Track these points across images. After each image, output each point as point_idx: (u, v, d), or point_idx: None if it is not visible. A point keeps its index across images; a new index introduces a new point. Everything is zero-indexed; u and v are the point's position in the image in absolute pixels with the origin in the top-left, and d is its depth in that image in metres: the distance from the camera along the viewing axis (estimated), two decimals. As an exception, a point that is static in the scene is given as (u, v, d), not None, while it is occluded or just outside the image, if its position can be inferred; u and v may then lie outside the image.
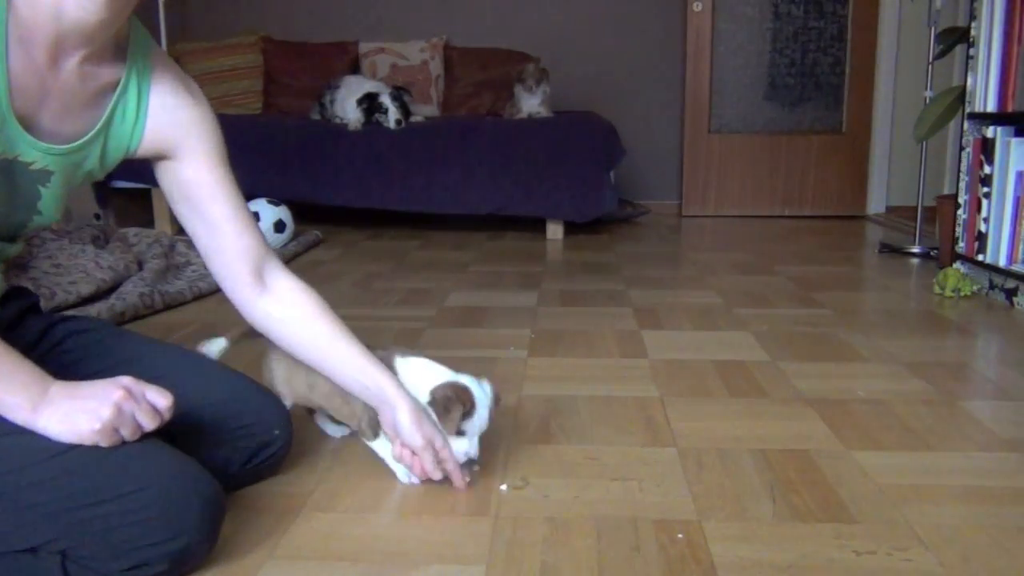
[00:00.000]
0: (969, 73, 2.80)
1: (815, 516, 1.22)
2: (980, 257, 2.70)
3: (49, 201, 1.09)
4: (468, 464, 1.31)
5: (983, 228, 2.69)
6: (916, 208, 3.60)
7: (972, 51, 2.79)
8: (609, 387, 1.80)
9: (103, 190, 4.07)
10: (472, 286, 2.87)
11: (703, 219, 4.70)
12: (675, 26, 4.76)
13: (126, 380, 1.00)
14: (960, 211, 2.83)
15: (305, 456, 1.43)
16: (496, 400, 1.32)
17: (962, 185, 2.83)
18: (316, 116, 4.34)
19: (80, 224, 2.90)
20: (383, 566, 1.09)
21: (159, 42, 4.41)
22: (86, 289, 2.46)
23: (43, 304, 2.25)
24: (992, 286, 2.67)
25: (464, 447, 1.28)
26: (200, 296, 2.68)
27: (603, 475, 1.36)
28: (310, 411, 1.51)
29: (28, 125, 1.01)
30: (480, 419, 1.28)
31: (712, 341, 2.17)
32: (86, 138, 1.09)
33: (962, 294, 2.66)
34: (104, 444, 0.97)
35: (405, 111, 4.04)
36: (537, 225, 4.05)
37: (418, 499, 1.27)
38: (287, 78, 4.64)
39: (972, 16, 2.79)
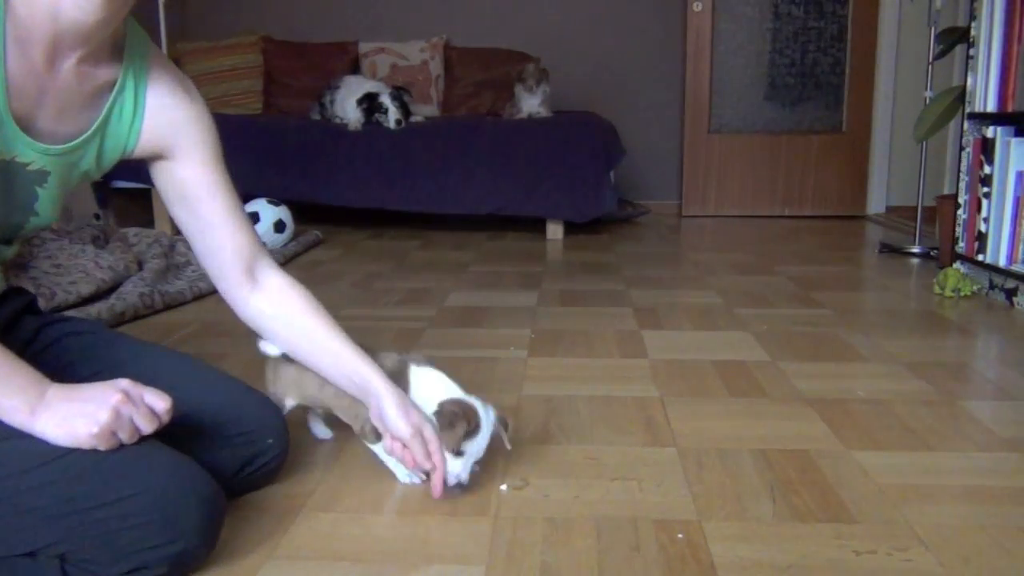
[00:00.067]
0: (969, 73, 2.80)
1: (815, 516, 1.22)
2: (980, 257, 2.70)
3: (46, 202, 1.09)
4: (456, 487, 1.27)
5: (983, 228, 2.69)
6: (916, 208, 3.60)
7: (972, 51, 2.79)
8: (609, 387, 1.80)
9: (103, 190, 4.07)
10: (472, 286, 2.87)
11: (703, 219, 4.70)
12: (675, 26, 4.75)
13: (124, 383, 0.99)
14: (960, 211, 2.83)
15: (305, 457, 1.43)
16: (505, 426, 1.31)
17: (962, 185, 2.83)
18: (316, 116, 4.34)
19: (80, 224, 2.90)
20: (383, 566, 1.09)
21: (159, 42, 4.42)
22: (86, 289, 2.46)
23: (43, 304, 2.25)
24: (992, 286, 2.67)
25: (457, 469, 1.26)
26: (200, 296, 2.68)
27: (603, 475, 1.36)
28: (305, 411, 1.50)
29: (25, 126, 1.01)
30: (480, 443, 1.26)
31: (712, 341, 2.17)
32: (82, 138, 1.09)
33: (962, 294, 2.66)
34: (102, 448, 0.96)
35: (405, 111, 4.03)
36: (537, 225, 4.05)
37: (418, 499, 1.27)
38: (287, 78, 4.64)
39: (972, 16, 2.78)
